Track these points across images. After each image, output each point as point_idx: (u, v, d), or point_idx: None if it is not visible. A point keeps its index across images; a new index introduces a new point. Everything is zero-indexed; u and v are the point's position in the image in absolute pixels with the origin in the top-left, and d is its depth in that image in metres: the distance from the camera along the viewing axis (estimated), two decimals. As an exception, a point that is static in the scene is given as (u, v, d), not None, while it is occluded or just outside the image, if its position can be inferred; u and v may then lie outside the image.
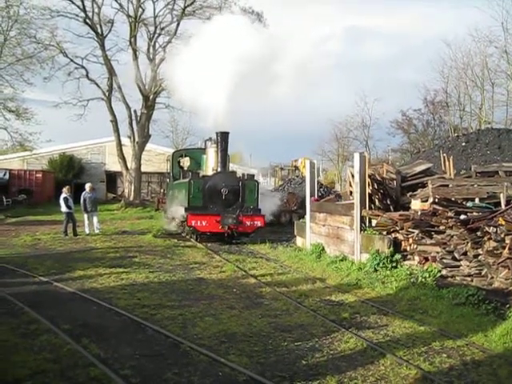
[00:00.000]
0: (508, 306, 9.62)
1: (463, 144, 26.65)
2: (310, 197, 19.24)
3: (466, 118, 51.44)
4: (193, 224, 19.96)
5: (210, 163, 22.54)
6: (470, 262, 11.18)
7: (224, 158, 21.57)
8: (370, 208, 15.03)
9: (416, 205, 13.74)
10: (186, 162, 26.44)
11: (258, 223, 20.79)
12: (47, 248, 18.54)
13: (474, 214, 11.69)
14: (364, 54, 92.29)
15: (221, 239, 20.58)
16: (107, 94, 41.24)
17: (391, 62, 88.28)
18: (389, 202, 15.54)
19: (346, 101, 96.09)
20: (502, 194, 12.63)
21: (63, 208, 22.00)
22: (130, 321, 9.21)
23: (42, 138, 40.80)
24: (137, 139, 41.27)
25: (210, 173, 21.99)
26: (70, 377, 6.58)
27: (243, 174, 22.49)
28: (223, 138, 21.25)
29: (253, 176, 22.78)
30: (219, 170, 21.40)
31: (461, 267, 11.49)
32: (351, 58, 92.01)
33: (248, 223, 20.53)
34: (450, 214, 11.94)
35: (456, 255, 11.60)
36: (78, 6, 38.77)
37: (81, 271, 13.82)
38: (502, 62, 44.77)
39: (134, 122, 41.43)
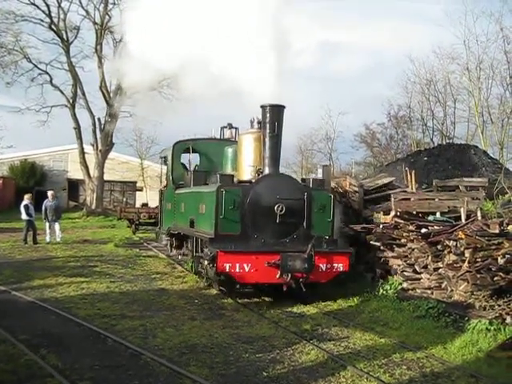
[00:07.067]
0: (467, 318, 9.78)
1: (425, 158, 26.97)
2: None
3: (429, 133, 52.23)
4: (227, 269, 11.16)
5: (247, 160, 13.32)
6: (431, 275, 11.34)
7: (275, 151, 12.60)
8: (333, 220, 15.11)
9: (378, 218, 13.89)
10: (192, 160, 17.70)
11: (340, 267, 11.83)
12: (6, 256, 18.11)
13: (435, 227, 11.84)
14: (335, 69, 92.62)
15: (276, 294, 12.17)
16: (71, 100, 40.66)
17: (363, 76, 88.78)
18: (351, 215, 15.67)
19: (315, 114, 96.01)
20: (462, 209, 12.84)
21: (23, 215, 21.56)
22: (89, 331, 9.06)
23: (3, 143, 40.17)
24: (100, 147, 40.82)
25: (246, 176, 13.10)
26: (26, 388, 6.45)
27: (304, 180, 13.78)
28: (275, 116, 12.39)
29: (322, 182, 13.43)
30: (267, 171, 12.49)
31: (421, 280, 11.66)
32: (323, 72, 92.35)
33: (323, 267, 11.67)
34: (412, 227, 12.08)
35: (417, 268, 11.76)
36: (44, 12, 38.25)
37: (40, 280, 13.55)
38: (463, 79, 45.61)
39: (97, 130, 41.00)
